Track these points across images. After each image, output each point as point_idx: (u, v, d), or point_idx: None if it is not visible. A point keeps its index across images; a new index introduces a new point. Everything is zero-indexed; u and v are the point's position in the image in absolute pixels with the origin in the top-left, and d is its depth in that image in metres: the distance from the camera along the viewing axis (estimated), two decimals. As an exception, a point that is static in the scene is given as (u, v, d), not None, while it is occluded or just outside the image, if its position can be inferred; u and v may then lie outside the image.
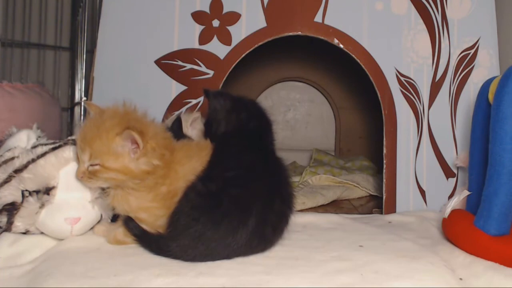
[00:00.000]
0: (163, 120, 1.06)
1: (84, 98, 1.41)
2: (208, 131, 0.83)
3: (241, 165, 0.74)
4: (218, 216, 0.68)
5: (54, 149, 0.76)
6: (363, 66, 1.08)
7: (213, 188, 0.70)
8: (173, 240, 0.69)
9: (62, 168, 0.76)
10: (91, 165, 0.69)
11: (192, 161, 0.75)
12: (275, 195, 0.73)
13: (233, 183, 0.71)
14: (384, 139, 1.08)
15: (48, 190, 0.75)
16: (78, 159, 0.72)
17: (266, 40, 1.09)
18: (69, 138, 0.79)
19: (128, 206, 0.73)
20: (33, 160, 0.75)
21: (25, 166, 0.74)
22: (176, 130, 0.85)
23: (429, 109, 1.09)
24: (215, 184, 0.71)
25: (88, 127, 0.70)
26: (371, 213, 1.13)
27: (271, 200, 0.72)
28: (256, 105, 0.86)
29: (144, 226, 0.73)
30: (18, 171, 0.74)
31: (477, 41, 1.10)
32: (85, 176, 0.70)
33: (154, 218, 0.73)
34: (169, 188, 0.73)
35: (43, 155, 0.75)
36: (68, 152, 0.76)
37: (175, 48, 1.10)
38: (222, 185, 0.71)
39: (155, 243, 0.71)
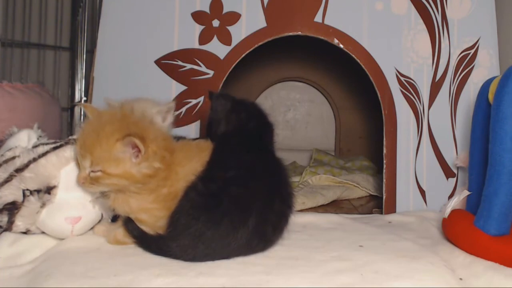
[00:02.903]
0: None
1: (84, 98, 1.42)
2: (209, 131, 0.84)
3: (241, 165, 0.74)
4: (218, 215, 0.68)
5: (55, 148, 0.76)
6: (363, 66, 1.08)
7: (213, 188, 0.70)
8: (173, 240, 0.69)
9: (63, 168, 0.76)
10: (92, 171, 0.69)
11: (193, 161, 0.75)
12: (275, 195, 0.73)
13: (233, 183, 0.71)
14: (384, 139, 1.08)
15: (49, 190, 0.75)
16: (78, 165, 0.72)
17: (266, 40, 1.09)
18: (70, 137, 0.79)
19: (128, 207, 0.73)
20: (34, 160, 0.74)
21: (26, 166, 0.74)
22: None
23: (429, 109, 1.09)
24: (215, 184, 0.71)
25: (87, 133, 0.70)
26: (371, 213, 1.13)
27: (271, 200, 0.72)
28: (257, 106, 0.87)
29: (144, 228, 0.73)
30: (19, 170, 0.74)
31: (477, 41, 1.10)
32: (87, 182, 0.69)
33: (154, 219, 0.73)
34: (169, 189, 0.72)
35: (44, 154, 0.75)
36: (69, 151, 0.76)
37: (175, 48, 1.10)
38: (222, 185, 0.71)
39: (155, 244, 0.71)
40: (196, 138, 0.94)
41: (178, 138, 0.80)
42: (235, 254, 0.69)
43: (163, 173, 0.71)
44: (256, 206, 0.69)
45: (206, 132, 0.85)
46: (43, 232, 0.77)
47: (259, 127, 0.83)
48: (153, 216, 0.73)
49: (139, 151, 0.68)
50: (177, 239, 0.68)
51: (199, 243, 0.67)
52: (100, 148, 0.68)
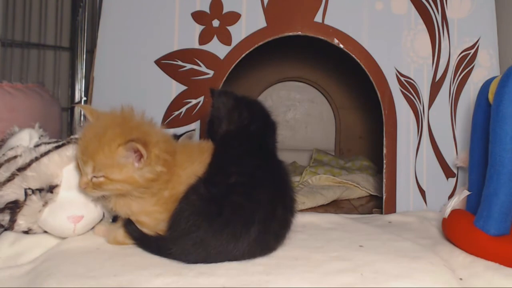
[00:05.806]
0: (163, 122, 1.07)
1: (84, 98, 1.42)
2: (210, 130, 0.82)
3: (243, 170, 0.72)
4: (219, 225, 0.67)
5: (57, 147, 0.76)
6: (363, 66, 1.08)
7: (215, 193, 0.69)
8: (173, 242, 0.68)
9: (65, 167, 0.76)
10: (95, 177, 0.68)
11: (194, 164, 0.74)
12: (278, 202, 0.72)
13: (235, 190, 0.69)
14: (384, 139, 1.08)
15: (51, 189, 0.75)
16: (79, 169, 0.72)
17: (266, 40, 1.09)
18: (72, 137, 0.79)
19: (130, 210, 0.72)
20: (37, 159, 0.74)
21: (29, 165, 0.74)
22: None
23: (429, 109, 1.09)
24: (217, 189, 0.70)
25: (88, 138, 0.69)
26: (371, 213, 1.13)
27: (273, 208, 0.70)
28: (260, 104, 0.85)
29: (145, 230, 0.73)
30: (21, 169, 0.74)
31: (477, 41, 1.10)
32: (89, 187, 0.69)
33: (156, 222, 0.73)
34: (171, 192, 0.72)
35: (46, 153, 0.75)
36: (71, 150, 0.76)
37: (175, 48, 1.10)
38: (224, 191, 0.69)
39: (155, 245, 0.71)
40: None
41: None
42: (237, 260, 0.68)
43: (165, 176, 0.71)
44: (258, 216, 0.68)
45: (207, 131, 0.84)
46: (45, 231, 0.77)
47: (262, 127, 0.81)
48: (154, 218, 0.73)
49: (142, 155, 0.68)
50: (178, 242, 0.68)
51: (199, 249, 0.66)
52: (102, 154, 0.67)
